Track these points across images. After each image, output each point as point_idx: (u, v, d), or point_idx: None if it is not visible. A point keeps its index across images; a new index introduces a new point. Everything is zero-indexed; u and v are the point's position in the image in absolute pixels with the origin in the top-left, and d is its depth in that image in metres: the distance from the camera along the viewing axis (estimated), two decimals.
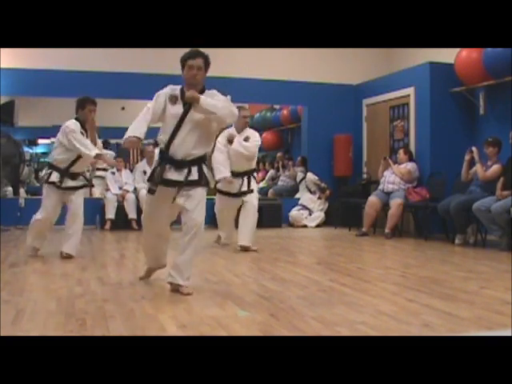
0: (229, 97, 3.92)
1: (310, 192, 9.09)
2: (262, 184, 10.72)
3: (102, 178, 8.62)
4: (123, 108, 11.37)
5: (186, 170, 3.63)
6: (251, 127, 6.21)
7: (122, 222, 8.06)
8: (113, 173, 8.42)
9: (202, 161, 3.73)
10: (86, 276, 4.30)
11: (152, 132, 3.85)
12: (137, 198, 8.15)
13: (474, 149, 6.47)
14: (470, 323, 2.91)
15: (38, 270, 4.53)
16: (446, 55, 7.30)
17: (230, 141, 5.76)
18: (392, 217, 7.14)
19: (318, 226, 8.74)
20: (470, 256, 5.71)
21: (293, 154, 10.65)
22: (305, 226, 8.71)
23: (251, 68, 8.83)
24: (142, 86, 8.43)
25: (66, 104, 9.14)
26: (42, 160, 13.01)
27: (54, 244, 6.26)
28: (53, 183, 5.18)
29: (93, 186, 7.94)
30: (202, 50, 3.62)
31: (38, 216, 5.24)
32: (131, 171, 8.73)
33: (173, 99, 3.68)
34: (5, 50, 7.63)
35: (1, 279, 3.99)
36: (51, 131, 10.82)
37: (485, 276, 4.47)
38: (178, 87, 3.72)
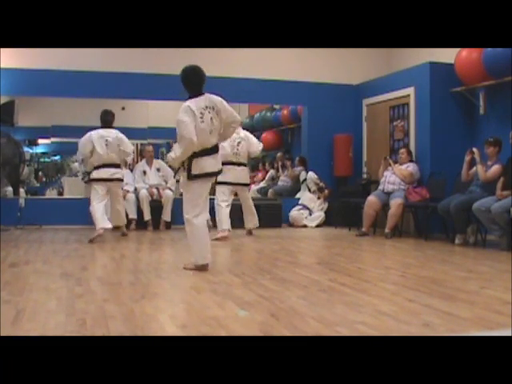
0: None
1: (310, 191, 9.07)
2: (262, 184, 10.72)
3: None
4: (123, 108, 11.34)
5: None
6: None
7: None
8: None
9: None
10: (86, 276, 4.30)
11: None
12: (137, 197, 8.14)
13: (474, 150, 6.46)
14: (470, 323, 2.91)
15: (38, 270, 4.52)
16: (446, 55, 7.30)
17: None
18: (392, 217, 7.14)
19: (318, 225, 8.72)
20: (470, 256, 5.71)
21: (293, 154, 10.65)
22: (305, 226, 8.70)
23: (251, 68, 8.83)
24: (142, 86, 8.47)
25: (65, 104, 9.20)
26: (42, 160, 12.96)
27: (53, 244, 6.27)
28: None
29: None
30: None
31: None
32: (131, 171, 8.72)
33: None
34: (5, 50, 7.63)
35: (1, 279, 3.99)
36: (51, 131, 10.82)
37: (485, 276, 4.47)
38: None
